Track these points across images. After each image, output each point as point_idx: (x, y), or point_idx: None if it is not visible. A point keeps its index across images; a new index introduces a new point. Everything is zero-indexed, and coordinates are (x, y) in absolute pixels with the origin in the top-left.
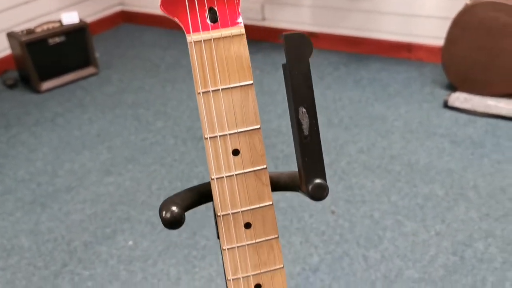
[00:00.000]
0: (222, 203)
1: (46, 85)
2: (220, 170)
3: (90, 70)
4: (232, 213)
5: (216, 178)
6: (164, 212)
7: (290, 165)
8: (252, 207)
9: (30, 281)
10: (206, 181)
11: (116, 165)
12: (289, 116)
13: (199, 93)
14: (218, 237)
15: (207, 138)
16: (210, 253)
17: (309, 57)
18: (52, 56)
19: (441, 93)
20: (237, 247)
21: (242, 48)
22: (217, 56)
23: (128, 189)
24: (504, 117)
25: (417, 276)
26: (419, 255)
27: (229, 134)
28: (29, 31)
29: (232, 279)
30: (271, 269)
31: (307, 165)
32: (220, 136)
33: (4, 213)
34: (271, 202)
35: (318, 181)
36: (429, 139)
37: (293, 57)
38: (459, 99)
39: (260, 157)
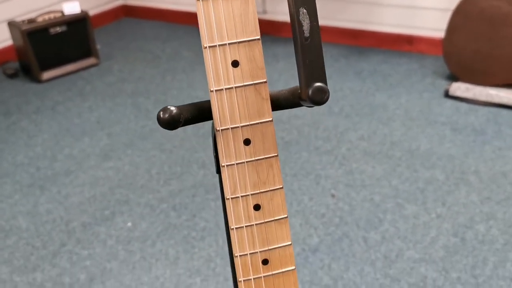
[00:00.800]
0: (221, 117)
1: (47, 74)
2: (219, 82)
3: (91, 61)
4: (231, 128)
5: (215, 90)
6: (162, 113)
7: (290, 152)
8: (251, 122)
9: (28, 260)
10: (206, 166)
11: (115, 150)
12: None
13: None
14: (216, 157)
15: (206, 47)
16: (210, 234)
17: None
18: (53, 45)
19: (442, 84)
20: (236, 164)
21: None
22: None
23: (127, 173)
24: (505, 106)
25: (418, 256)
26: (419, 237)
27: (229, 44)
28: (30, 21)
29: (231, 198)
30: (271, 189)
31: (307, 68)
32: (219, 45)
33: (1, 195)
34: (271, 118)
35: (318, 84)
36: (430, 127)
37: None
38: (460, 88)
39: (260, 71)
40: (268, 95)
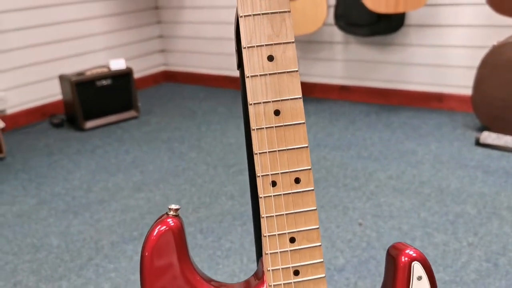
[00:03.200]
0: None
1: (90, 124)
2: None
3: (131, 113)
4: None
5: None
6: None
7: (318, 187)
8: None
9: (55, 271)
10: (235, 198)
11: (148, 184)
12: (315, 149)
13: None
14: (238, 37)
15: None
16: (235, 254)
17: None
18: (98, 97)
19: (473, 134)
20: (253, 15)
21: None
22: None
23: (158, 202)
24: None
25: (448, 278)
26: (450, 261)
27: None
28: (79, 74)
29: (247, 47)
30: (283, 41)
31: None
32: None
33: (37, 218)
34: None
35: None
36: (461, 170)
37: None
38: (491, 136)
39: None
40: None
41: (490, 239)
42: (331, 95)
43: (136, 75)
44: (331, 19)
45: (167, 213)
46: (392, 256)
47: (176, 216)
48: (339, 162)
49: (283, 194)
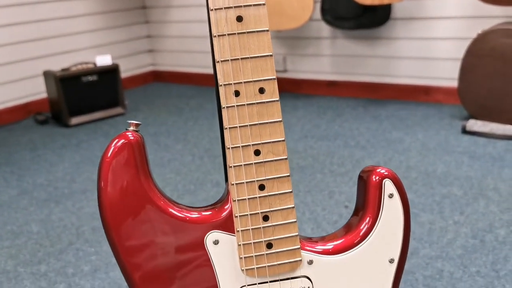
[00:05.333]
0: None
1: (75, 120)
2: None
3: (117, 110)
4: None
5: None
6: None
7: (305, 173)
8: None
9: (34, 256)
10: (220, 185)
11: None
12: (302, 140)
13: None
14: None
15: None
16: None
17: None
18: (84, 93)
19: (460, 124)
20: None
21: None
22: None
23: None
24: None
25: (434, 254)
26: (436, 238)
27: None
28: (64, 69)
29: (215, 9)
30: (254, 3)
31: None
32: None
33: (17, 207)
34: None
35: None
36: (447, 155)
37: None
38: (477, 124)
39: None
40: None
41: (476, 217)
42: (319, 91)
43: (124, 74)
44: (317, 14)
45: (126, 129)
46: (363, 177)
47: (137, 132)
48: (325, 150)
49: (247, 104)
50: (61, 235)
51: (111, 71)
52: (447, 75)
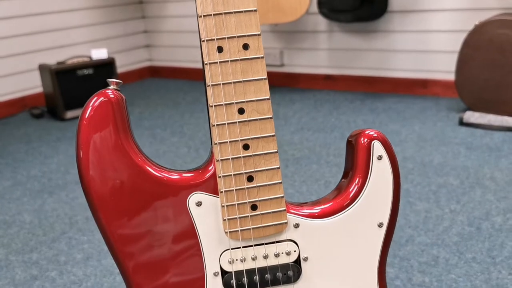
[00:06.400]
0: None
1: (71, 114)
2: None
3: None
4: None
5: None
6: None
7: (300, 164)
8: None
9: (26, 245)
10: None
11: None
12: (298, 132)
13: None
14: None
15: None
16: None
17: None
18: (79, 87)
19: (457, 116)
20: None
21: None
22: None
23: None
24: None
25: (429, 241)
26: (432, 226)
27: None
28: (60, 63)
29: None
30: None
31: None
32: None
33: (10, 198)
34: None
35: None
36: (444, 146)
37: None
38: (474, 115)
39: None
40: None
41: (473, 206)
42: (316, 85)
43: (120, 69)
44: (314, 8)
45: (107, 88)
46: (351, 141)
47: (118, 90)
48: (322, 142)
49: (230, 60)
50: (54, 225)
51: (107, 65)
52: (444, 68)
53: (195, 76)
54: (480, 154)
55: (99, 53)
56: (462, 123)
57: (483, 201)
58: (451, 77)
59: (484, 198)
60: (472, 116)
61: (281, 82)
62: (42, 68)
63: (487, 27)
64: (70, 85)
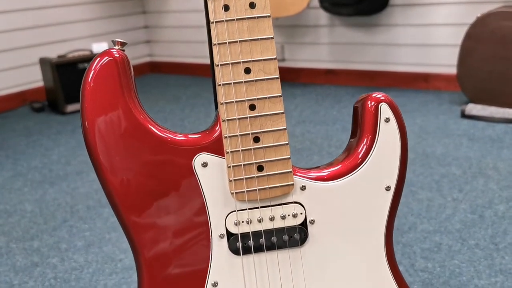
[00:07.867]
0: None
1: (71, 107)
2: None
3: None
4: None
5: None
6: None
7: (302, 155)
8: None
9: (27, 232)
10: None
11: None
12: (299, 125)
13: None
14: None
15: None
16: None
17: None
18: (80, 80)
19: (459, 109)
20: None
21: None
22: None
23: None
24: None
25: (432, 228)
26: (434, 214)
27: None
28: (61, 56)
29: None
30: None
31: None
32: None
33: (11, 188)
34: None
35: None
36: (446, 138)
37: None
38: (476, 108)
39: None
40: None
41: (475, 194)
42: (317, 80)
43: None
44: (315, 2)
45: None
46: (358, 105)
47: (123, 51)
48: (323, 134)
49: (237, 19)
50: (55, 213)
51: None
52: (446, 61)
53: (196, 71)
54: (482, 145)
55: (100, 47)
56: (464, 115)
57: (485, 190)
58: (453, 71)
59: (487, 187)
60: (474, 109)
61: (282, 77)
62: (43, 61)
63: (489, 19)
64: (71, 79)
